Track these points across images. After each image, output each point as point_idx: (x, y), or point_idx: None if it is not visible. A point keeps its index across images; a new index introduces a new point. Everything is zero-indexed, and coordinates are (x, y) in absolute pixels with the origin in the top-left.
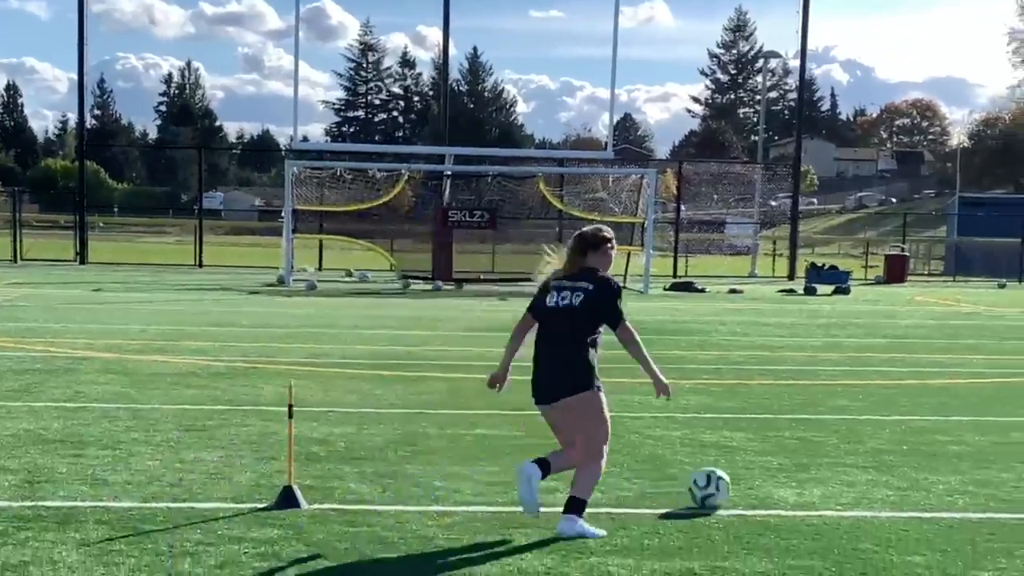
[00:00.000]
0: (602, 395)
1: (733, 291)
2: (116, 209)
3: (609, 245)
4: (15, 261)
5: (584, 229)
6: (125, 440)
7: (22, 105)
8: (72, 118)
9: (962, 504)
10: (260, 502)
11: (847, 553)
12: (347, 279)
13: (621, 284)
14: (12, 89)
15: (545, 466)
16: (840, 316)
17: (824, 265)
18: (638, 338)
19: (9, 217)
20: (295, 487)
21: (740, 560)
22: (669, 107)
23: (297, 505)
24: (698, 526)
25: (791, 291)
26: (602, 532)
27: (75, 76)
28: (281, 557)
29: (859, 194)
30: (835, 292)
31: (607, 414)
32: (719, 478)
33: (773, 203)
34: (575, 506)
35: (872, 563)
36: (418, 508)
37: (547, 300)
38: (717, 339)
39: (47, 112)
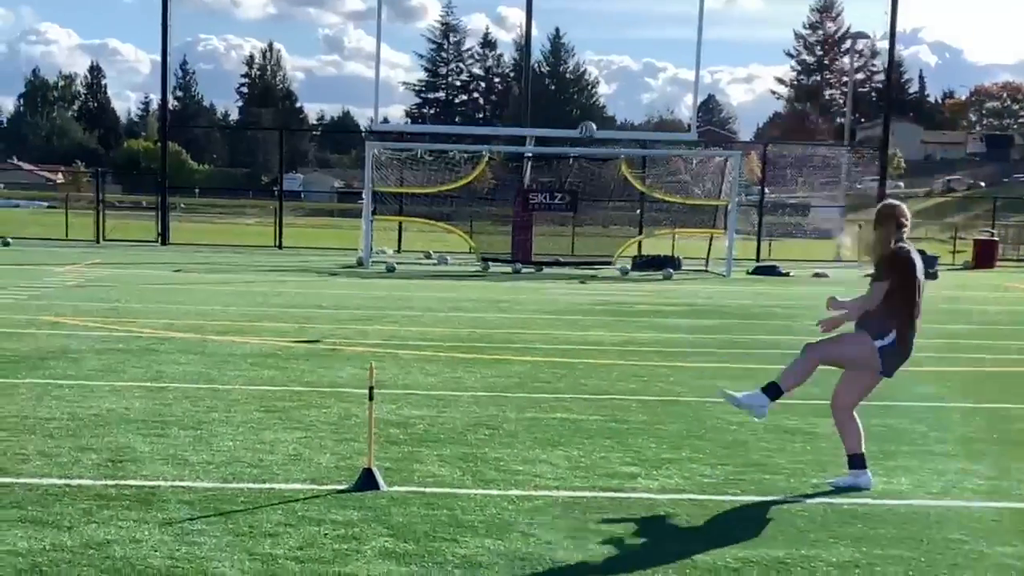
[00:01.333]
0: None
1: (817, 275)
2: (197, 190)
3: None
4: (98, 241)
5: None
6: (206, 420)
7: (106, 86)
8: (155, 99)
9: None
10: (340, 483)
11: (936, 543)
12: (426, 261)
13: (704, 267)
14: (96, 70)
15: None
16: (927, 301)
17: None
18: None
19: (92, 198)
20: (375, 469)
21: (826, 548)
22: (753, 89)
23: (377, 487)
24: (783, 513)
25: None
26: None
27: (158, 58)
28: (361, 539)
29: (947, 178)
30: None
31: None
32: None
33: (859, 186)
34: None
35: (962, 553)
36: (498, 492)
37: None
38: (801, 324)
39: (130, 93)
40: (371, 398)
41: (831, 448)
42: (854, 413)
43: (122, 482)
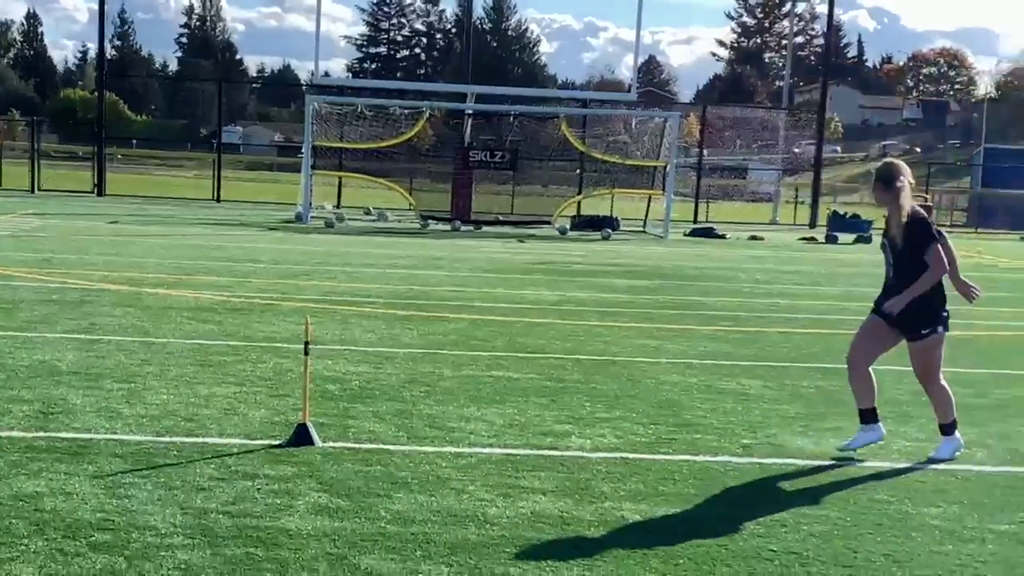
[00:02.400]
0: None
1: (754, 238)
2: (135, 141)
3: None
4: (32, 192)
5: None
6: (140, 374)
7: (42, 34)
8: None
9: (980, 457)
10: (274, 439)
11: (863, 504)
12: (365, 217)
13: (642, 228)
14: (32, 18)
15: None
16: (861, 265)
17: (846, 214)
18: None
19: (27, 147)
20: (310, 424)
21: (754, 507)
22: (694, 50)
23: (311, 443)
24: (713, 473)
25: (812, 239)
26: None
27: (96, 6)
28: (294, 494)
29: (883, 143)
30: (856, 241)
31: None
32: None
33: (797, 150)
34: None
35: (888, 514)
36: (432, 448)
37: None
38: (736, 286)
39: (67, 42)
40: (306, 353)
41: (763, 409)
42: (942, 382)
43: (53, 434)
